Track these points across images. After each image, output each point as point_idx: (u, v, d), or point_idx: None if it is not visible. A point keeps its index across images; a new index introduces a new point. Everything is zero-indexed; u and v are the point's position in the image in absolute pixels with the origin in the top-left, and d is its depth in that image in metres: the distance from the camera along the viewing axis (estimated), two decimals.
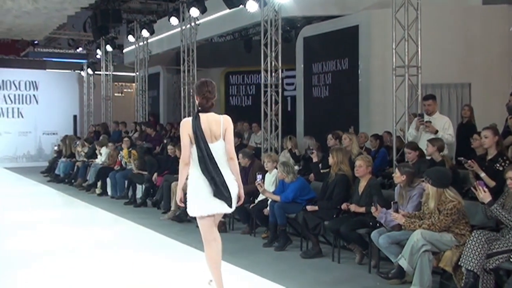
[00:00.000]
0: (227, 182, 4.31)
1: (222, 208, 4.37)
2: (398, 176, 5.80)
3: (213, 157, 4.31)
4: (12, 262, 5.83)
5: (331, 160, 6.85)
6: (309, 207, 6.77)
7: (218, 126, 4.43)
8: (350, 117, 10.81)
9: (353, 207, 6.22)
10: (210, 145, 4.35)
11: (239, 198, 4.47)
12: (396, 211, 5.44)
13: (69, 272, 5.49)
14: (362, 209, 6.12)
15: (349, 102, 11.20)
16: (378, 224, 5.69)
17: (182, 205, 4.52)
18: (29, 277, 5.29)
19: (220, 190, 4.29)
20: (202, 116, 4.42)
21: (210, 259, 4.44)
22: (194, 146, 4.34)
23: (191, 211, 4.42)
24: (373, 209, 5.62)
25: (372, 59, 10.73)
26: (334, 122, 10.84)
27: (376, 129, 9.68)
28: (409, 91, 7.94)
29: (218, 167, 4.32)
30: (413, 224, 5.19)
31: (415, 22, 7.79)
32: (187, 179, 4.48)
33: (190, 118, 4.45)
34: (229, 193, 4.31)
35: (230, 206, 4.36)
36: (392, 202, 5.59)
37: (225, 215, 7.61)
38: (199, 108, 4.48)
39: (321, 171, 7.93)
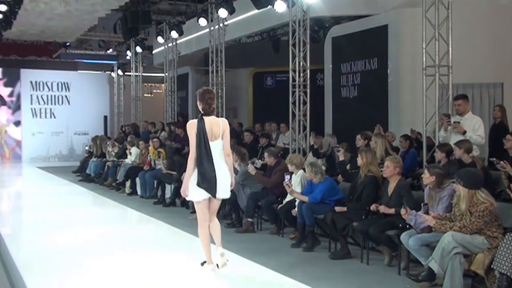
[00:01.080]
0: (218, 174, 5.12)
1: (206, 196, 5.18)
2: (427, 177, 5.73)
3: (211, 154, 5.13)
4: (44, 260, 5.93)
5: (360, 161, 6.80)
6: (337, 208, 6.74)
7: (218, 127, 5.26)
8: (379, 117, 10.70)
9: (382, 208, 6.16)
10: (211, 143, 5.16)
11: (231, 185, 5.34)
12: (426, 212, 5.37)
13: (99, 270, 5.56)
14: (391, 211, 6.06)
15: (378, 102, 11.09)
16: (407, 226, 5.63)
17: (186, 196, 5.31)
18: (60, 275, 5.38)
19: (206, 181, 5.10)
20: (206, 118, 5.22)
21: (202, 236, 5.34)
22: (198, 144, 5.13)
23: (188, 197, 5.32)
24: (402, 211, 5.55)
25: (402, 59, 10.60)
26: (363, 122, 10.74)
27: (405, 129, 9.57)
28: (440, 91, 7.83)
29: (213, 162, 5.12)
30: (444, 226, 5.12)
31: (446, 21, 7.67)
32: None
33: (196, 120, 5.24)
34: (215, 184, 5.10)
35: (214, 195, 5.16)
36: (422, 204, 5.52)
37: (251, 215, 7.66)
38: (202, 112, 5.27)
39: (349, 171, 7.87)
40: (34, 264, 5.73)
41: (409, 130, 9.48)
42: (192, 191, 5.20)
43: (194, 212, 9.39)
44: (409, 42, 10.23)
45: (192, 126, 5.19)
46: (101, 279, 5.29)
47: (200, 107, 5.33)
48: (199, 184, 5.12)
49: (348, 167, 7.95)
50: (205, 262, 5.43)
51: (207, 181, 5.11)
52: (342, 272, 6.03)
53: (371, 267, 6.17)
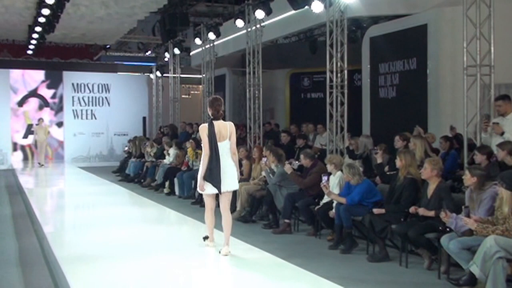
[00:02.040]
0: (223, 171, 5.93)
1: (214, 190, 6.03)
2: (468, 178, 5.61)
3: (218, 153, 5.92)
4: (84, 257, 6.05)
5: (398, 162, 6.71)
6: (375, 210, 6.67)
7: (226, 130, 6.03)
8: (418, 118, 10.54)
9: (422, 211, 6.07)
10: (219, 144, 5.95)
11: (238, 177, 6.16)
12: (468, 215, 5.26)
13: (136, 269, 5.65)
14: (431, 213, 5.96)
15: (417, 103, 10.93)
16: (448, 229, 5.52)
17: (201, 191, 6.16)
18: (100, 272, 5.49)
19: (212, 177, 5.92)
20: (215, 122, 6.01)
21: (207, 220, 6.34)
22: (209, 144, 5.94)
23: (199, 190, 6.19)
24: (442, 213, 5.45)
25: (442, 59, 10.41)
26: (401, 123, 10.61)
27: (445, 130, 9.39)
28: (481, 91, 7.65)
29: (219, 160, 5.92)
30: (486, 230, 5.00)
31: (488, 19, 7.50)
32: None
33: (207, 124, 6.04)
34: (220, 181, 5.92)
35: (219, 190, 5.98)
36: (463, 207, 5.41)
37: (289, 217, 7.66)
38: (212, 117, 6.07)
39: (387, 173, 7.78)
40: (75, 261, 5.85)
41: (449, 132, 9.30)
42: (198, 186, 6.13)
43: (231, 212, 9.48)
44: (449, 42, 10.04)
45: (203, 129, 6.02)
46: (139, 277, 5.37)
47: (210, 113, 6.13)
48: (205, 178, 5.97)
49: (386, 168, 7.86)
50: (207, 237, 6.41)
51: (214, 178, 5.93)
52: (380, 275, 5.96)
53: (410, 270, 6.08)
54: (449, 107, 10.14)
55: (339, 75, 10.24)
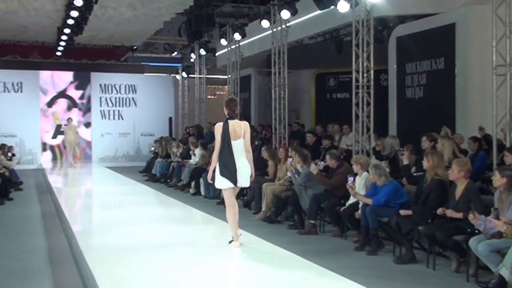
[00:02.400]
0: (238, 168, 6.24)
1: (230, 184, 6.31)
2: (497, 179, 5.52)
3: (232, 151, 6.24)
4: (112, 256, 6.14)
5: (426, 163, 6.63)
6: (402, 212, 6.60)
7: (240, 129, 6.34)
8: (445, 118, 10.41)
9: (450, 213, 5.99)
10: (233, 142, 6.27)
11: (251, 176, 6.45)
12: (497, 217, 5.18)
13: (163, 268, 5.70)
14: (459, 215, 5.87)
15: (444, 103, 10.79)
16: (476, 231, 5.44)
17: (211, 182, 6.57)
18: (126, 270, 5.55)
19: (228, 172, 6.24)
20: (230, 122, 6.33)
21: (230, 218, 6.42)
22: (222, 142, 6.28)
23: (216, 185, 6.51)
24: (471, 215, 5.37)
25: (470, 58, 10.27)
26: (429, 123, 10.50)
27: (474, 131, 9.26)
28: (511, 91, 7.52)
29: (234, 157, 6.24)
30: None
31: None
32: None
33: (222, 123, 6.34)
34: (235, 175, 6.23)
35: (235, 184, 6.30)
36: (492, 208, 5.33)
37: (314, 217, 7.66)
38: (228, 116, 6.39)
39: (414, 174, 7.70)
40: (103, 260, 5.93)
41: (477, 132, 9.16)
42: (219, 181, 6.37)
43: (256, 213, 9.52)
44: (478, 41, 9.90)
45: (218, 128, 6.37)
46: (165, 276, 5.42)
47: (225, 112, 6.45)
48: (221, 173, 6.28)
49: (413, 169, 7.77)
50: (232, 240, 6.51)
51: (229, 172, 6.25)
52: (407, 277, 5.90)
53: (437, 273, 6.01)
54: (477, 107, 9.99)
55: (365, 75, 10.16)
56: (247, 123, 6.50)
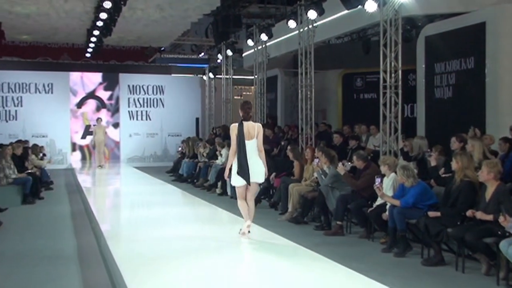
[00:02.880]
0: (250, 165, 6.63)
1: (243, 182, 6.71)
2: None
3: (246, 150, 6.63)
4: (139, 256, 6.19)
5: (454, 165, 6.53)
6: (431, 213, 6.52)
7: (254, 130, 6.73)
8: (475, 119, 10.24)
9: (479, 215, 5.89)
10: (246, 142, 6.66)
11: (265, 173, 6.85)
12: None
13: (190, 268, 5.73)
14: (489, 217, 5.77)
15: (474, 103, 10.62)
16: (507, 233, 5.34)
17: (227, 179, 7.05)
18: (154, 270, 5.60)
19: (242, 171, 6.63)
20: (244, 123, 6.74)
21: (240, 206, 6.95)
22: (237, 142, 6.67)
23: (231, 183, 6.90)
24: (501, 218, 5.28)
25: (501, 57, 10.08)
26: (458, 124, 10.33)
27: (504, 131, 9.07)
28: None
29: (247, 156, 6.63)
30: None
31: None
32: None
33: (237, 124, 6.75)
34: (248, 173, 6.63)
35: (248, 182, 6.69)
36: None
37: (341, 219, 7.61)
38: (242, 118, 6.77)
39: (442, 175, 7.59)
40: (131, 259, 5.99)
41: (508, 132, 8.98)
42: (234, 178, 6.78)
43: (282, 213, 9.52)
44: (509, 40, 9.74)
45: (233, 128, 6.79)
46: (192, 275, 5.45)
47: (240, 114, 6.83)
48: (238, 172, 6.69)
49: (442, 171, 7.67)
50: (241, 230, 6.95)
51: (243, 171, 6.65)
52: (436, 279, 5.83)
53: (467, 276, 5.92)
54: (508, 107, 9.81)
55: (393, 75, 10.06)
56: (260, 124, 6.95)
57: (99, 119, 19.06)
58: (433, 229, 6.27)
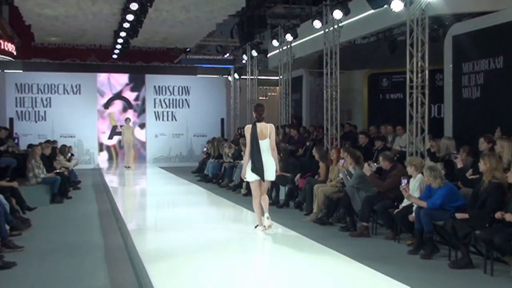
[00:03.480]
0: (264, 163, 7.12)
1: (257, 178, 7.19)
2: None
3: (260, 149, 7.13)
4: (165, 255, 6.24)
5: (482, 166, 6.42)
6: (458, 215, 6.42)
7: (266, 130, 7.22)
8: (504, 119, 10.06)
9: (509, 217, 5.78)
10: (260, 141, 7.15)
11: (276, 171, 7.31)
12: None
13: (215, 267, 5.75)
14: None
15: (503, 103, 10.44)
16: None
17: (244, 177, 7.46)
18: (179, 269, 5.64)
19: (256, 168, 7.13)
20: (257, 124, 7.23)
21: (255, 206, 7.35)
22: (251, 142, 7.16)
23: (247, 179, 7.38)
24: None
25: None
26: (486, 124, 10.16)
27: None
28: None
29: (261, 155, 7.12)
30: None
31: None
32: None
33: (251, 125, 7.26)
34: (262, 170, 7.10)
35: (263, 179, 7.20)
36: None
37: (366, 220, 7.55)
38: (256, 119, 7.26)
39: (470, 177, 7.47)
40: (157, 259, 6.04)
41: None
42: (249, 174, 7.25)
43: (307, 214, 9.49)
44: None
45: (248, 129, 7.30)
46: (218, 275, 5.47)
47: (254, 116, 7.33)
48: (252, 170, 7.18)
49: (470, 172, 7.55)
50: (257, 225, 7.39)
51: (257, 168, 7.13)
52: (463, 282, 5.75)
53: (495, 279, 5.82)
54: None
55: (419, 75, 9.95)
56: (272, 125, 7.35)
57: (127, 119, 18.73)
58: (461, 231, 6.17)
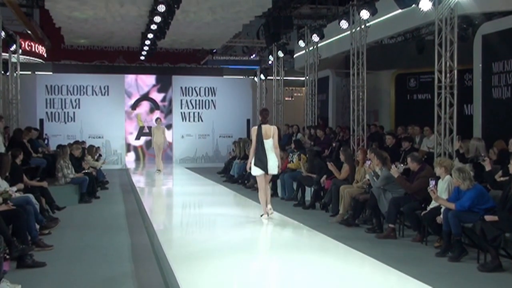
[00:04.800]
0: (268, 159, 8.26)
1: (262, 172, 8.34)
2: None
3: (264, 147, 8.28)
4: (192, 255, 6.26)
5: None
6: (488, 217, 6.31)
7: (270, 131, 8.34)
8: None
9: None
10: (264, 141, 8.29)
11: (278, 166, 8.47)
12: None
13: (241, 269, 5.76)
14: None
15: None
16: None
17: (249, 171, 8.64)
18: (206, 270, 5.66)
19: (261, 163, 8.28)
20: (262, 126, 8.38)
21: (260, 197, 8.46)
22: (256, 141, 8.31)
23: (252, 173, 8.55)
24: None
25: None
26: None
27: None
28: None
29: (265, 152, 8.27)
30: None
31: None
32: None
33: (257, 127, 8.42)
34: (266, 165, 8.25)
35: (266, 172, 8.32)
36: None
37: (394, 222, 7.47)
38: (261, 122, 8.45)
39: (500, 179, 7.32)
40: (184, 259, 6.07)
41: None
42: (254, 169, 8.38)
43: (333, 215, 9.44)
44: None
45: (254, 130, 8.47)
46: (244, 275, 5.49)
47: (259, 118, 8.58)
48: (255, 164, 8.30)
49: (499, 173, 7.41)
50: (262, 214, 8.46)
51: (261, 163, 8.27)
52: (493, 286, 5.65)
53: None
54: None
55: (448, 75, 9.81)
56: (276, 127, 8.51)
57: (158, 119, 17.45)
58: (490, 233, 6.06)
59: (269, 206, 8.43)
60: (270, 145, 8.30)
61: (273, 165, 8.33)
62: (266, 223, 8.29)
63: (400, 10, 11.09)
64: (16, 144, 10.81)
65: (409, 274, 5.45)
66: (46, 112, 21.02)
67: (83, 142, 15.83)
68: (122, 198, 12.67)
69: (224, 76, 23.55)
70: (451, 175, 7.11)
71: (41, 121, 20.75)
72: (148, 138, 21.65)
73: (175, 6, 13.76)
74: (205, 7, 15.09)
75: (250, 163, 8.45)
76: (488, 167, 7.38)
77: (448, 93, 9.76)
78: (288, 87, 22.59)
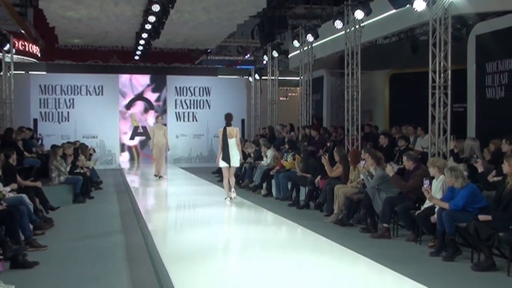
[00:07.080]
0: (231, 155, 10.11)
1: (226, 164, 10.19)
2: None
3: (228, 145, 10.08)
4: (186, 255, 6.27)
5: (506, 168, 6.33)
6: (481, 217, 6.33)
7: (233, 132, 10.13)
8: None
9: None
10: (229, 140, 10.08)
11: (240, 160, 10.46)
12: None
13: (235, 269, 5.76)
14: None
15: None
16: None
17: (218, 164, 10.50)
18: (200, 270, 5.65)
19: (225, 158, 10.12)
20: (227, 128, 10.15)
21: (225, 184, 10.41)
22: (222, 140, 10.13)
23: (219, 165, 10.40)
24: None
25: None
26: (511, 125, 10.01)
27: None
28: None
29: (229, 149, 10.07)
30: None
31: None
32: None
33: (222, 128, 10.16)
34: (229, 159, 10.11)
35: (229, 165, 10.18)
36: None
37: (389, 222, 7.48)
38: (226, 124, 10.18)
39: (493, 179, 7.34)
40: (177, 258, 6.07)
41: None
42: (221, 162, 10.21)
43: (328, 215, 9.45)
44: None
45: (220, 131, 10.21)
46: (238, 276, 5.48)
47: (225, 122, 10.23)
48: (223, 158, 10.14)
49: (493, 173, 7.43)
50: (226, 197, 10.28)
51: (227, 158, 10.11)
52: (486, 285, 5.67)
53: None
54: None
55: (442, 75, 9.84)
56: (237, 128, 10.32)
57: (159, 117, 15.28)
58: (484, 233, 6.09)
59: (233, 189, 10.27)
60: (234, 143, 10.14)
61: (236, 160, 10.21)
62: (229, 204, 10.09)
63: (394, 10, 11.11)
64: (8, 144, 10.77)
65: (403, 274, 5.47)
66: (40, 112, 20.92)
67: (75, 143, 15.73)
68: (116, 198, 12.63)
69: (219, 76, 23.53)
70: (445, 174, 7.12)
71: (35, 121, 20.65)
72: (143, 138, 21.64)
73: (170, 6, 13.74)
74: (199, 7, 15.08)
75: (218, 158, 10.23)
76: (480, 169, 7.36)
77: (442, 93, 9.80)
78: (283, 87, 22.60)
